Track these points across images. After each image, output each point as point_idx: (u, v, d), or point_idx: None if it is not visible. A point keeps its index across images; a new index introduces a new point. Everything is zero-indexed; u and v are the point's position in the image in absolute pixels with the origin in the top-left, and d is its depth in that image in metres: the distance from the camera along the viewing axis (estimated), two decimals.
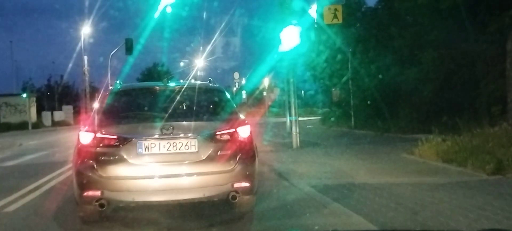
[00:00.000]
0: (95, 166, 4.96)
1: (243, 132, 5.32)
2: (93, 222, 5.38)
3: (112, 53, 43.11)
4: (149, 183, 5.03)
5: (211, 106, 5.83)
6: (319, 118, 34.62)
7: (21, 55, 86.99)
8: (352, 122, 19.70)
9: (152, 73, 68.08)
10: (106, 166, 4.97)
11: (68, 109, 42.63)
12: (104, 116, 5.33)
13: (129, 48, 40.24)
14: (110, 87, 6.04)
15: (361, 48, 17.82)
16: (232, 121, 5.38)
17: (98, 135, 5.06)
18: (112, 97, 5.68)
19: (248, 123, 5.50)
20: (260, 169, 5.85)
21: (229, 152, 5.17)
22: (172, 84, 5.91)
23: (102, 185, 4.94)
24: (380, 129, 16.47)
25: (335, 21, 13.49)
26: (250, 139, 5.41)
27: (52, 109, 43.58)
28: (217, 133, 5.20)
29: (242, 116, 5.62)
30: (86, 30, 42.71)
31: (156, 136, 5.04)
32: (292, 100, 13.94)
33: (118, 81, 6.71)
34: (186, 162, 5.06)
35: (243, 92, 67.34)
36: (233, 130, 5.25)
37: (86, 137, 5.12)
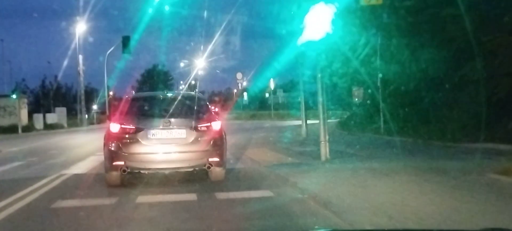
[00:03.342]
0: (120, 145, 7.76)
1: (216, 125, 8.11)
2: (115, 186, 7.93)
3: (108, 52, 40.84)
4: (155, 157, 7.91)
5: (195, 108, 8.23)
6: (329, 121, 32.00)
7: (16, 56, 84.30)
8: (381, 126, 16.90)
9: (152, 74, 68.50)
10: (127, 146, 7.78)
11: (61, 111, 40.01)
12: (126, 113, 8.08)
13: (125, 46, 37.89)
14: (129, 95, 9.24)
15: (401, 37, 14.66)
16: (209, 118, 8.18)
17: (123, 126, 7.90)
18: (130, 101, 8.49)
19: (219, 119, 8.36)
20: (293, 194, 7.30)
21: (206, 138, 7.95)
22: (169, 93, 9.33)
23: (125, 158, 7.74)
24: (422, 135, 13.67)
25: (374, 1, 10.79)
26: (221, 130, 8.20)
27: (46, 111, 40.98)
28: (198, 126, 8.00)
29: (216, 116, 8.42)
30: (81, 28, 40.37)
31: (160, 127, 7.90)
32: (321, 100, 11.17)
33: (133, 92, 10.67)
34: (178, 144, 7.89)
35: (245, 94, 64.93)
36: (209, 124, 8.07)
37: (114, 127, 7.93)
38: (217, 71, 52.92)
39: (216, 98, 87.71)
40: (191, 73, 52.99)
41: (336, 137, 17.70)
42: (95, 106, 48.09)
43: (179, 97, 8.65)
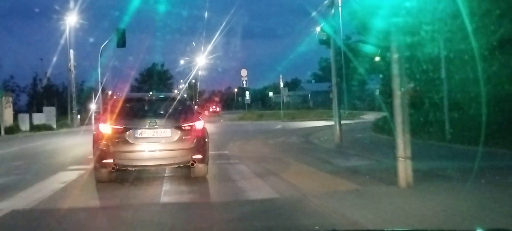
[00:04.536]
0: (109, 144, 8.09)
1: (199, 125, 8.54)
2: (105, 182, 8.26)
3: (103, 45, 37.05)
4: (142, 155, 8.25)
5: (180, 109, 8.73)
6: (357, 121, 28.23)
7: (7, 53, 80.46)
8: (446, 132, 12.93)
9: (152, 74, 66.43)
10: (116, 144, 8.11)
11: (50, 111, 36.13)
12: (114, 113, 8.39)
13: (120, 40, 34.17)
14: (117, 97, 9.95)
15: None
16: (192, 118, 8.57)
17: (111, 125, 8.21)
18: (119, 102, 8.83)
19: (202, 119, 8.84)
20: None
21: (189, 137, 8.35)
22: (156, 95, 10.18)
23: (114, 155, 8.06)
24: None
25: None
26: (203, 129, 8.68)
27: (38, 111, 37.20)
28: (182, 125, 8.38)
29: (199, 116, 8.93)
30: (72, 20, 36.59)
31: (147, 127, 8.21)
32: (398, 95, 7.20)
33: (124, 93, 11.25)
34: (164, 142, 8.24)
35: (247, 93, 61.61)
36: (193, 123, 8.46)
37: (104, 127, 8.27)
38: (218, 69, 50.98)
39: (216, 98, 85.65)
40: (191, 72, 53.25)
41: (382, 143, 13.93)
42: (94, 106, 44.26)
43: (165, 99, 9.39)
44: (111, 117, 8.32)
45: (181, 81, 65.56)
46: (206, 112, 67.06)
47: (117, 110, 8.43)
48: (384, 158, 10.38)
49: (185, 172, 8.97)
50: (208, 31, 58.65)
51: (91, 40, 37.09)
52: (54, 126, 35.15)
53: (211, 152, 13.73)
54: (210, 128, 31.14)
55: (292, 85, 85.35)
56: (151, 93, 10.25)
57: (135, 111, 8.71)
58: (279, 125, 29.80)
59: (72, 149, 16.78)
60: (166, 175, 9.36)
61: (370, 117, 36.14)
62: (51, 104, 40.75)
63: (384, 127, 17.19)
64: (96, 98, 38.00)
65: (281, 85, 41.16)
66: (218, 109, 76.10)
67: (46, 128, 34.25)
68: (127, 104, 8.80)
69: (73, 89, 37.69)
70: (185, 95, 10.93)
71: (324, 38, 14.07)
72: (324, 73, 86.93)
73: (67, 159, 12.58)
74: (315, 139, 17.00)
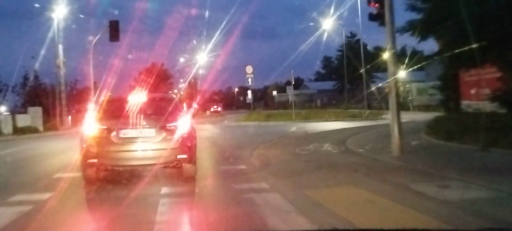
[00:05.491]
0: (94, 144, 8.07)
1: (184, 124, 8.39)
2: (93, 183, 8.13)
3: (94, 40, 33.37)
4: (127, 154, 8.15)
5: (165, 108, 8.62)
6: (377, 123, 24.46)
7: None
8: None
9: (151, 73, 62.23)
10: (101, 144, 8.06)
11: (35, 112, 32.50)
12: (100, 114, 8.52)
13: (113, 33, 30.63)
14: (104, 97, 9.75)
15: None
16: (178, 117, 8.43)
17: (97, 126, 8.22)
18: (104, 103, 8.92)
19: (189, 117, 8.77)
20: None
21: (174, 136, 8.18)
22: (141, 95, 9.12)
23: (98, 155, 8.04)
24: None
25: None
26: (190, 128, 8.49)
27: (18, 111, 33.71)
28: (167, 125, 8.25)
29: (185, 115, 8.73)
30: (60, 12, 32.89)
31: (131, 127, 8.11)
32: None
33: (109, 93, 12.16)
34: (148, 142, 8.12)
35: (249, 92, 58.51)
36: (177, 123, 8.30)
37: (89, 127, 8.24)
38: (218, 69, 48.98)
39: (217, 97, 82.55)
40: (191, 71, 52.48)
41: (465, 156, 10.30)
42: (89, 106, 40.55)
43: (150, 98, 9.20)
44: (97, 117, 8.46)
45: (181, 80, 63.80)
46: (208, 112, 63.85)
47: (102, 110, 8.62)
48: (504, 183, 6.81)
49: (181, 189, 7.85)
50: (208, 31, 57.31)
51: (90, 38, 33.40)
52: (41, 128, 31.55)
53: (223, 166, 10.28)
54: (213, 130, 27.48)
55: (295, 84, 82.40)
56: (136, 92, 9.63)
57: (120, 111, 8.42)
58: (293, 127, 26.07)
59: (53, 156, 14.18)
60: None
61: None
62: (40, 104, 37.38)
63: (439, 130, 13.52)
64: (94, 98, 34.26)
65: (292, 82, 37.48)
66: (219, 109, 72.66)
67: (31, 130, 30.67)
68: (112, 104, 8.87)
69: (62, 88, 33.97)
70: (172, 94, 10.67)
71: (375, 12, 10.42)
72: (327, 72, 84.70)
73: (26, 179, 9.22)
74: (356, 146, 13.29)
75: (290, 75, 39.13)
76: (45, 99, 39.22)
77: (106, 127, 8.15)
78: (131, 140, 8.11)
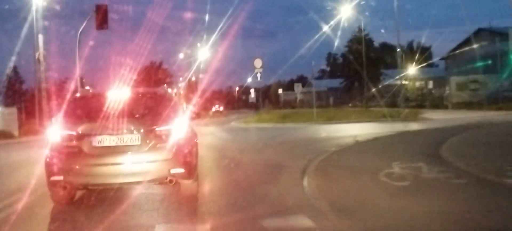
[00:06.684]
0: (59, 156, 6.14)
1: (181, 127, 6.36)
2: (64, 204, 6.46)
3: (80, 29, 28.22)
4: (102, 169, 6.14)
5: (154, 107, 6.63)
6: (428, 127, 19.48)
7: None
8: None
9: (150, 72, 61.11)
10: (68, 156, 6.12)
11: (10, 113, 27.51)
12: (68, 116, 6.46)
13: (100, 19, 25.66)
14: (78, 94, 7.59)
15: None
16: (172, 118, 6.36)
17: (62, 131, 6.24)
18: (73, 101, 6.99)
19: (187, 118, 6.76)
20: None
21: (167, 144, 6.18)
22: (123, 90, 7.04)
23: (64, 172, 6.09)
24: None
25: None
26: (189, 133, 6.58)
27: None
28: (157, 129, 6.22)
29: (183, 115, 6.54)
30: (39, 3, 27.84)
31: (109, 132, 6.12)
32: None
33: (87, 87, 9.93)
34: (131, 152, 6.11)
35: (252, 91, 54.25)
36: (172, 126, 6.28)
37: (52, 134, 6.29)
38: (218, 68, 45.50)
39: (218, 95, 78.48)
40: (191, 70, 49.23)
41: None
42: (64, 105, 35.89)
43: (136, 95, 6.98)
44: (63, 119, 6.41)
45: (181, 79, 61.08)
46: (211, 113, 59.23)
47: (71, 111, 6.60)
48: None
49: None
50: (208, 30, 54.90)
51: (76, 27, 29.05)
52: (15, 133, 26.54)
53: (264, 221, 5.18)
54: (221, 135, 18.42)
55: (299, 82, 79.23)
56: (116, 87, 7.29)
57: (94, 112, 6.40)
58: (321, 131, 20.99)
59: (10, 171, 11.33)
60: None
61: (438, 116, 27.29)
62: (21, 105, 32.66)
63: None
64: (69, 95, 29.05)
65: (313, 77, 32.71)
66: (221, 109, 68.26)
67: (4, 135, 25.67)
68: (84, 103, 6.90)
69: (43, 85, 28.82)
70: (164, 90, 8.43)
71: None
72: (332, 69, 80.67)
73: None
74: (482, 171, 8.01)
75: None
76: (26, 99, 34.48)
77: (75, 133, 6.29)
78: (108, 149, 6.25)
